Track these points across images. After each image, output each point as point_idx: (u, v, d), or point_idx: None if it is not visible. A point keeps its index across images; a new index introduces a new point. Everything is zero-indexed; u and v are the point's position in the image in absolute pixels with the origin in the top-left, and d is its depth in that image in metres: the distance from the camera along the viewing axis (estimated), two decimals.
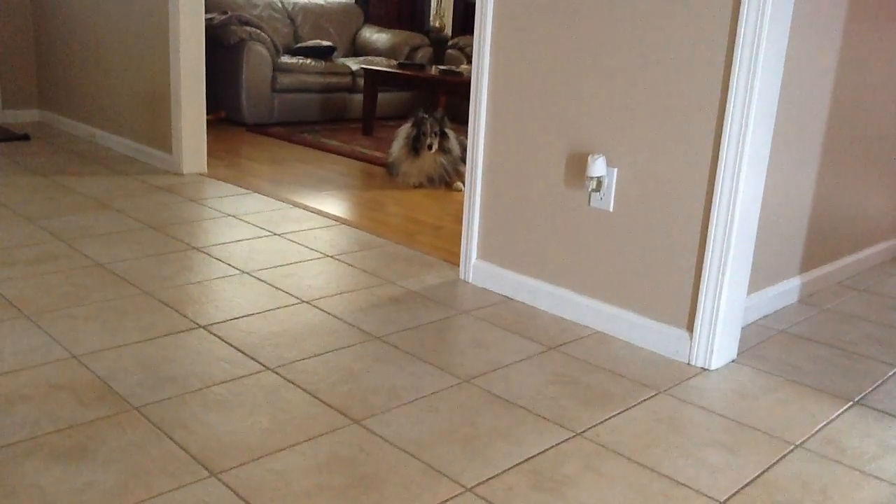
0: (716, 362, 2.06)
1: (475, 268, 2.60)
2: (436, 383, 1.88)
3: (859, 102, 2.68)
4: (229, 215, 3.24)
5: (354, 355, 2.01)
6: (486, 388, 1.88)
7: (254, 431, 1.61)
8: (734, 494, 1.51)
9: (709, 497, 1.49)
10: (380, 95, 6.20)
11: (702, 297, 2.04)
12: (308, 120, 5.98)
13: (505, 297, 2.50)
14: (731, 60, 1.90)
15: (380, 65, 6.12)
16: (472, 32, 6.86)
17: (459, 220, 3.42)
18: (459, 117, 6.57)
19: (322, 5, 6.72)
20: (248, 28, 5.53)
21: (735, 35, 1.88)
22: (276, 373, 1.88)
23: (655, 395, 1.90)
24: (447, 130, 4.15)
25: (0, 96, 5.02)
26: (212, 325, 2.14)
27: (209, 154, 4.49)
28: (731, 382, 1.99)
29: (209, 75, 5.70)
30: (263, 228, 3.08)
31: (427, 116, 4.12)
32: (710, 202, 1.99)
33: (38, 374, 1.80)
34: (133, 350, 1.95)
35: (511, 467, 1.55)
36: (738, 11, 1.87)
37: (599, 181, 2.19)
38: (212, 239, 2.91)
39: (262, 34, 5.59)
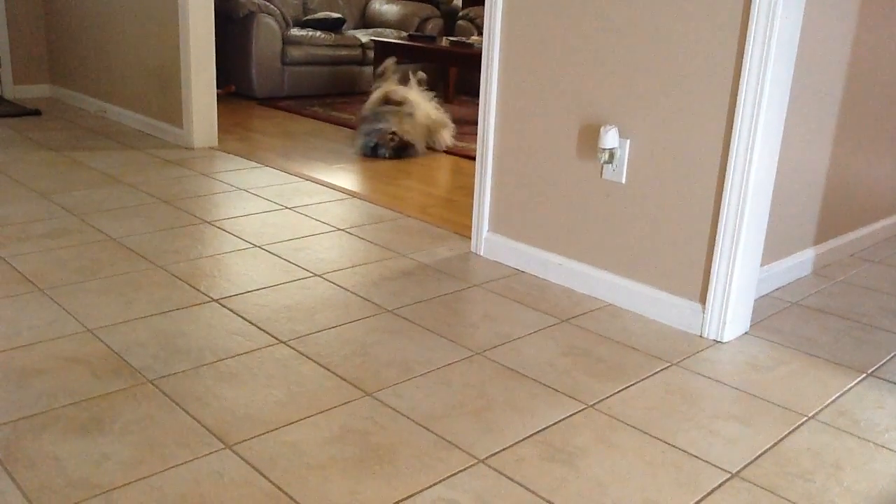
0: (728, 334, 2.06)
1: (487, 240, 2.59)
2: (448, 356, 1.89)
3: (875, 72, 2.64)
4: (241, 189, 3.24)
5: (367, 328, 2.01)
6: (498, 360, 1.88)
7: (267, 404, 1.62)
8: (746, 466, 1.51)
9: (721, 469, 1.50)
10: None
11: (715, 269, 2.02)
12: (318, 93, 5.95)
13: (517, 269, 2.50)
14: (746, 29, 1.87)
15: (390, 37, 6.07)
16: (482, 3, 6.79)
17: (471, 193, 3.41)
18: (470, 89, 6.55)
19: None
20: (256, 1, 5.49)
21: (750, 3, 1.85)
22: (289, 346, 1.89)
23: (668, 367, 1.90)
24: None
25: (11, 72, 5.02)
26: (225, 298, 2.15)
27: (220, 128, 4.49)
28: (744, 354, 1.99)
29: (219, 49, 5.68)
30: (275, 202, 3.08)
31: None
32: (724, 173, 1.98)
33: (53, 347, 1.82)
34: (147, 323, 1.97)
35: (523, 439, 1.56)
36: None
37: (612, 153, 2.17)
38: (224, 213, 2.91)
39: (272, 6, 5.55)
